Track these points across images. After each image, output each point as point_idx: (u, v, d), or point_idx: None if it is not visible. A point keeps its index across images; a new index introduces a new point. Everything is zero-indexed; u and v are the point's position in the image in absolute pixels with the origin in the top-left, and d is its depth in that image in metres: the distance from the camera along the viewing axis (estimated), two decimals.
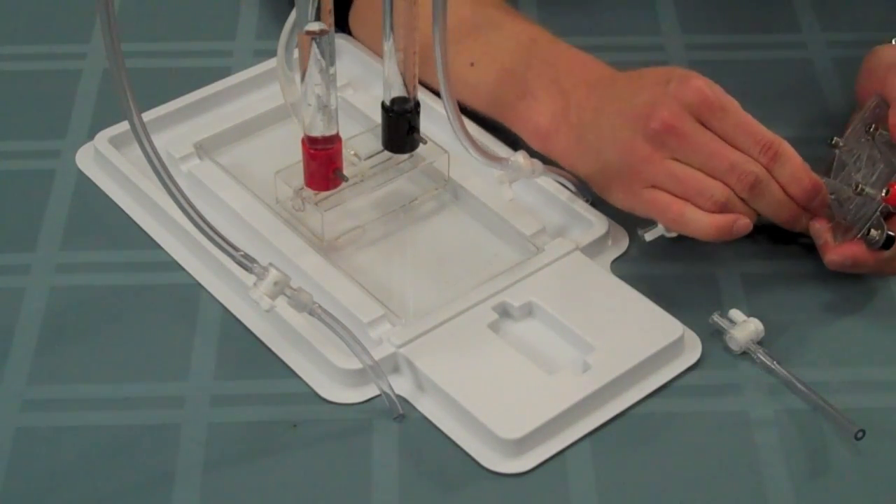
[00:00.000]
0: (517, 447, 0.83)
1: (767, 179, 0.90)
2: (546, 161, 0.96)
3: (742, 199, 0.90)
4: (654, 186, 0.90)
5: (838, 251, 0.91)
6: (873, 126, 0.94)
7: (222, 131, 1.02)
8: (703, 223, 0.89)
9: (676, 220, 0.90)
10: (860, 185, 0.90)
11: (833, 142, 0.95)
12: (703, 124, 0.89)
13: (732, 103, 0.89)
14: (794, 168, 0.90)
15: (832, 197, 0.93)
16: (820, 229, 0.93)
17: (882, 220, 0.90)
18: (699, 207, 0.89)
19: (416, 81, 0.92)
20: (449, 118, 0.89)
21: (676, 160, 0.89)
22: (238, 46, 1.13)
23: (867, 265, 0.92)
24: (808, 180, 0.91)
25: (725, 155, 0.89)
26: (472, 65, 0.98)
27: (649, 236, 0.93)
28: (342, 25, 1.07)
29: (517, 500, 0.82)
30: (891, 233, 0.90)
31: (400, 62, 0.90)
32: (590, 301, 0.91)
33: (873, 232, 0.90)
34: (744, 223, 0.90)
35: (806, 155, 0.91)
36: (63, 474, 0.83)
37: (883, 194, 0.89)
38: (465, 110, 0.91)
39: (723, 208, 0.89)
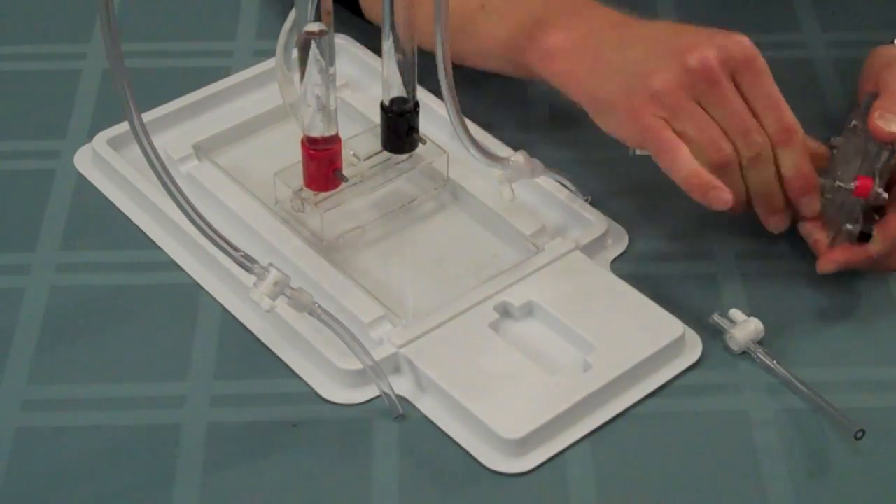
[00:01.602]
0: (518, 447, 0.83)
1: (771, 159, 0.90)
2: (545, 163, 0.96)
3: (741, 171, 0.90)
4: (663, 118, 0.89)
5: (828, 259, 0.91)
6: (853, 122, 0.94)
7: (221, 132, 1.02)
8: (686, 170, 0.88)
9: (667, 153, 0.89)
10: (836, 181, 0.91)
11: (830, 141, 0.95)
12: (736, 83, 0.89)
13: (769, 73, 0.89)
14: (801, 157, 0.90)
15: (828, 196, 0.93)
16: (811, 230, 0.93)
17: (861, 213, 0.90)
18: (708, 156, 0.89)
19: (416, 81, 0.92)
20: (450, 117, 0.89)
21: (700, 99, 0.89)
22: (238, 46, 1.13)
23: (860, 264, 0.92)
24: (810, 173, 0.91)
25: (745, 118, 0.89)
26: (482, 7, 0.97)
27: (640, 152, 0.92)
28: (354, 7, 1.07)
29: (518, 500, 0.82)
30: (866, 228, 0.89)
31: (399, 62, 0.90)
32: (590, 300, 0.91)
33: (849, 226, 0.90)
34: (724, 197, 0.88)
35: None
36: (63, 474, 0.83)
37: (852, 186, 0.89)
38: (466, 111, 0.91)
39: (725, 165, 0.89)
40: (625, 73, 0.91)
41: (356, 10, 1.08)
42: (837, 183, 0.91)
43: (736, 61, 0.88)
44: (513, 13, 0.96)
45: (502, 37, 0.97)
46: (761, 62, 0.89)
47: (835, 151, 0.95)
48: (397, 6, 0.88)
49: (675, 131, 0.89)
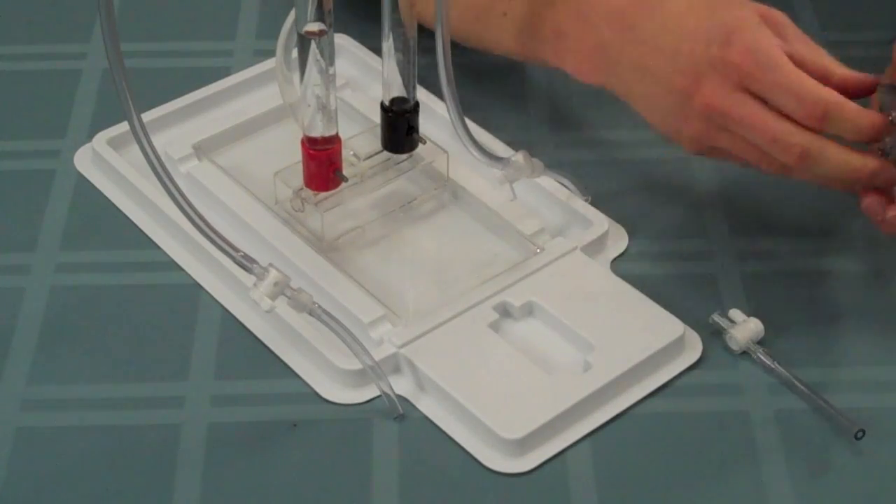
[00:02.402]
0: (518, 447, 0.83)
1: (819, 147, 0.84)
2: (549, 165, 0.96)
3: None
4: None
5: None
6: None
7: (221, 132, 1.02)
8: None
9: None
10: (892, 115, 0.85)
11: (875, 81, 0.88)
12: (747, 89, 0.85)
13: (776, 60, 0.84)
14: (849, 121, 0.84)
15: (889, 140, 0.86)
16: (872, 204, 0.89)
17: None
18: (770, 169, 0.87)
19: (416, 81, 0.92)
20: (451, 117, 0.89)
21: (728, 129, 0.86)
22: (238, 46, 1.13)
23: None
24: (867, 122, 0.84)
25: (768, 128, 0.84)
26: (504, 14, 0.97)
27: None
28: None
29: (518, 500, 0.82)
30: None
31: (399, 62, 0.90)
32: (590, 300, 0.91)
33: None
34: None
35: None
36: (63, 474, 0.83)
37: None
38: (466, 111, 0.91)
39: (778, 172, 0.86)
40: (654, 109, 0.90)
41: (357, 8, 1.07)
42: (894, 117, 0.84)
43: (735, 73, 0.85)
44: (530, 20, 0.95)
45: (526, 45, 0.96)
46: (760, 58, 0.84)
47: (879, 90, 0.88)
48: (402, 4, 0.88)
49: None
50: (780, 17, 0.88)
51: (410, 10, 0.88)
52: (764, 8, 0.88)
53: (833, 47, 1.13)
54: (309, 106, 0.89)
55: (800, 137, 0.84)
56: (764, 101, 0.85)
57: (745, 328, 0.89)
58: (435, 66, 0.88)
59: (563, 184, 0.98)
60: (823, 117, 0.84)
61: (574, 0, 0.93)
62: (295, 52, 0.89)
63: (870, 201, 0.88)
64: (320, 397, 0.87)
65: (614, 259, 0.96)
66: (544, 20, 0.95)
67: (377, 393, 0.86)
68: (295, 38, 0.87)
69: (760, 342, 0.89)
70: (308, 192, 0.93)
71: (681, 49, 0.87)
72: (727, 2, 0.88)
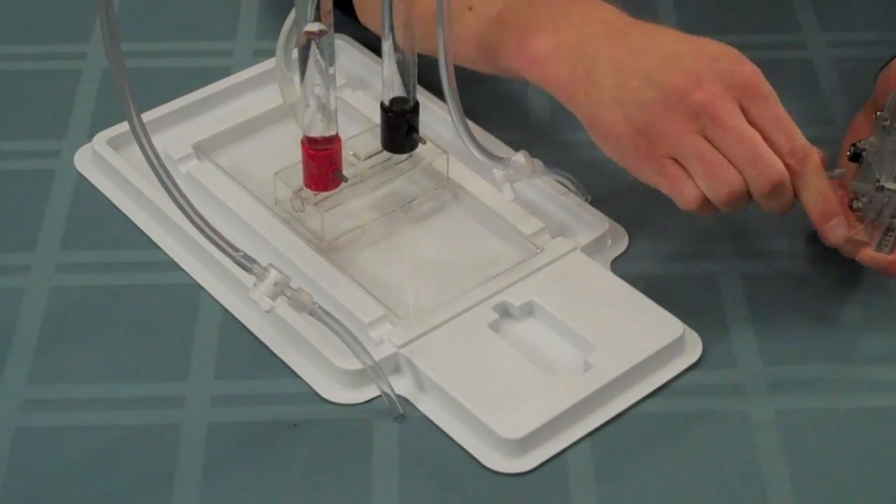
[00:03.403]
0: (518, 447, 0.83)
1: (788, 185, 0.87)
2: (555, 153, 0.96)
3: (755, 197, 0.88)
4: (673, 158, 0.88)
5: (874, 257, 0.89)
6: (889, 121, 0.90)
7: (221, 132, 1.02)
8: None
9: (685, 204, 0.89)
10: (879, 182, 0.87)
11: (859, 144, 0.91)
12: (742, 109, 0.87)
13: (775, 96, 0.87)
14: (820, 179, 0.88)
15: (864, 199, 0.90)
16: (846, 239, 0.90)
17: None
18: (714, 192, 0.87)
19: (416, 81, 0.92)
20: (452, 117, 0.89)
21: (705, 137, 0.87)
22: (238, 46, 1.13)
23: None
24: (832, 196, 0.88)
25: (755, 145, 0.86)
26: (470, 9, 0.94)
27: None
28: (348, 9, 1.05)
29: (518, 500, 0.82)
30: None
31: (399, 62, 0.90)
32: (590, 300, 0.91)
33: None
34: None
35: None
36: (63, 474, 0.83)
37: None
38: (466, 111, 0.91)
39: (735, 199, 0.87)
40: (624, 104, 0.88)
41: (351, 13, 1.07)
42: (881, 184, 0.87)
43: (740, 89, 0.86)
44: (498, 15, 0.93)
45: (486, 39, 0.94)
46: (766, 86, 0.87)
47: (865, 154, 0.91)
48: (396, 8, 0.88)
49: (684, 167, 0.88)
50: None
51: (408, 12, 0.88)
52: None
53: (833, 47, 1.14)
54: (309, 106, 0.89)
55: (781, 166, 0.87)
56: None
57: None
58: (435, 66, 0.88)
59: (563, 184, 0.98)
60: (804, 160, 0.87)
61: (554, 3, 0.92)
62: (295, 52, 0.89)
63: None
64: (320, 397, 0.87)
65: (614, 259, 0.96)
66: (515, 15, 0.92)
67: (377, 393, 0.86)
68: (295, 38, 0.87)
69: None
70: (308, 193, 0.93)
71: (681, 57, 0.88)
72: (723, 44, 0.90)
